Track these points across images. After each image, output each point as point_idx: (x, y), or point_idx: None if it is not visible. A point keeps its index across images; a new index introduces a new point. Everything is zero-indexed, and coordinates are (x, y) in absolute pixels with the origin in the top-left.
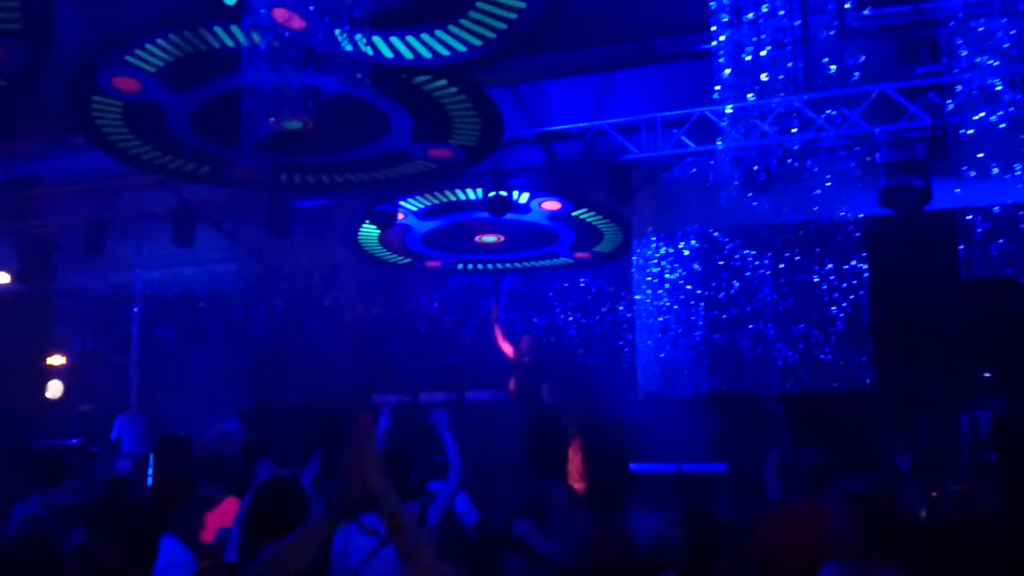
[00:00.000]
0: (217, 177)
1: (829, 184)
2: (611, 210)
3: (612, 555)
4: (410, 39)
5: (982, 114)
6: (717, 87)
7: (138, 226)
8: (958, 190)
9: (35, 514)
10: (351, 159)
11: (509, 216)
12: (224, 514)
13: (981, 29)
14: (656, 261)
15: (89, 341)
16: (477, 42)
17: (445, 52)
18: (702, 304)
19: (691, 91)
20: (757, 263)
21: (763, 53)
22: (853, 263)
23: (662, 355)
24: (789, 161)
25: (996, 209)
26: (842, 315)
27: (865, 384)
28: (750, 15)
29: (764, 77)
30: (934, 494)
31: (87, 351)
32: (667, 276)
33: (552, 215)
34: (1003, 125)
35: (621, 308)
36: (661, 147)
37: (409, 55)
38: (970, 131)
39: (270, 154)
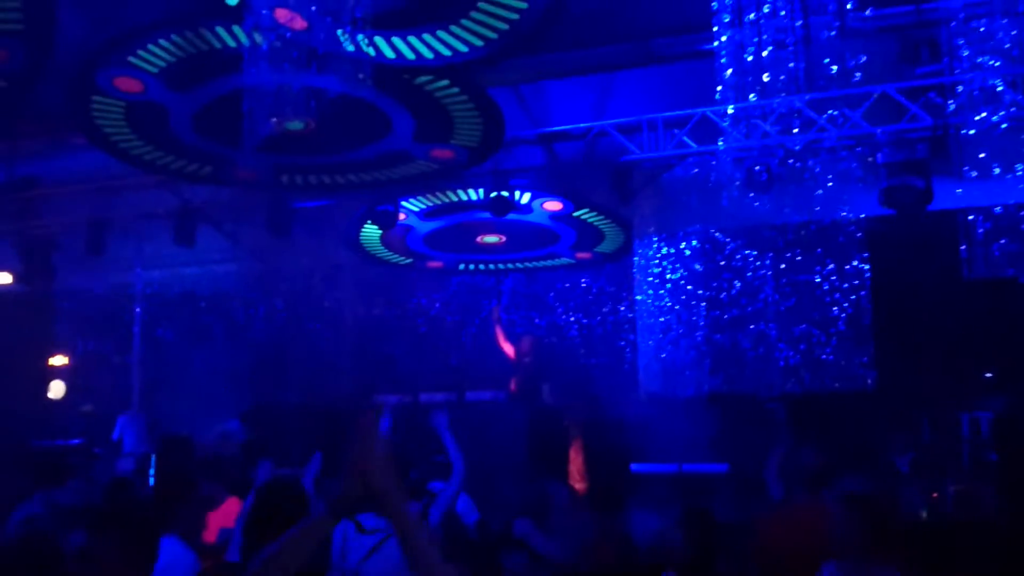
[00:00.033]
0: (219, 177)
1: (830, 184)
2: (612, 210)
3: (612, 555)
4: (412, 39)
5: (983, 114)
6: (718, 87)
7: (139, 226)
8: (959, 190)
9: (35, 514)
10: (353, 159)
11: (511, 216)
12: (226, 514)
13: (982, 29)
14: (657, 261)
15: (90, 341)
16: (478, 42)
17: (447, 52)
18: (703, 304)
19: (692, 91)
20: (758, 263)
21: (764, 53)
22: (854, 263)
23: (663, 355)
24: (790, 161)
25: (997, 209)
26: (843, 315)
27: (866, 384)
28: (751, 15)
29: (766, 77)
30: (935, 494)
31: (88, 351)
32: (668, 276)
33: (553, 215)
34: (1004, 125)
35: (622, 308)
36: (662, 147)
37: (411, 55)
38: (971, 131)
39: (272, 154)
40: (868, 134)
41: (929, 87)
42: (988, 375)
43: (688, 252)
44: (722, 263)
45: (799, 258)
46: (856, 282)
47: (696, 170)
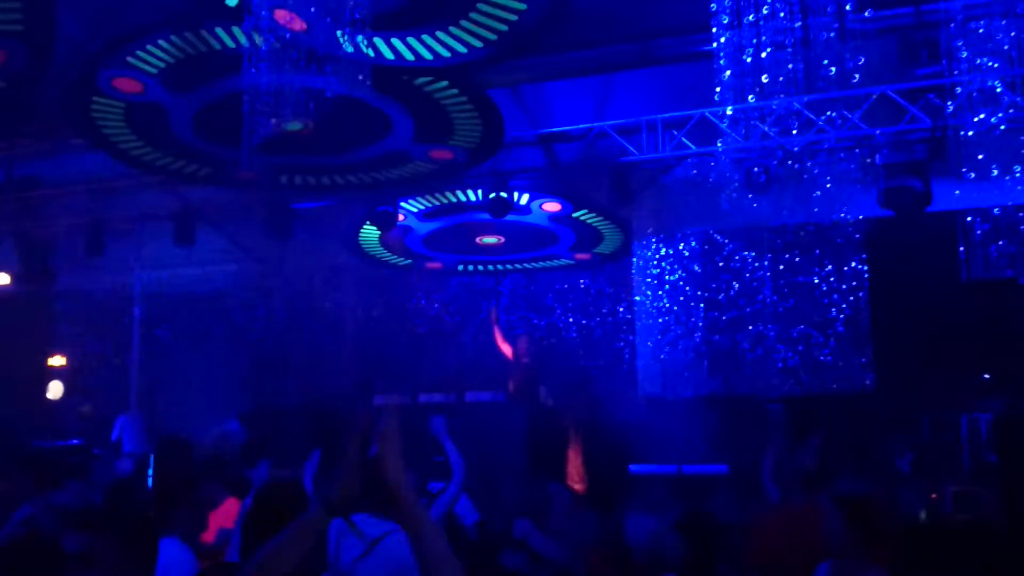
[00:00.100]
0: (218, 178)
1: (829, 186)
2: (611, 211)
3: (612, 556)
4: (411, 40)
5: (982, 116)
6: (717, 88)
7: (138, 227)
8: (958, 192)
9: (35, 515)
10: (352, 160)
11: (510, 217)
12: (225, 515)
13: (981, 31)
14: (656, 262)
15: (89, 342)
16: (478, 43)
17: (446, 53)
18: (702, 305)
19: (692, 93)
20: (757, 264)
21: (764, 55)
22: (853, 264)
23: (662, 356)
24: (789, 163)
25: (996, 211)
26: (842, 316)
27: (865, 385)
28: (750, 17)
29: (765, 79)
30: (934, 495)
31: (87, 352)
32: (667, 277)
33: (552, 216)
34: (1003, 127)
35: (621, 309)
36: (662, 148)
37: (410, 56)
38: (970, 133)
39: (272, 155)
40: (867, 135)
41: (928, 88)
42: (987, 376)
43: (687, 253)
44: (721, 264)
45: (798, 259)
46: (855, 283)
47: (695, 171)
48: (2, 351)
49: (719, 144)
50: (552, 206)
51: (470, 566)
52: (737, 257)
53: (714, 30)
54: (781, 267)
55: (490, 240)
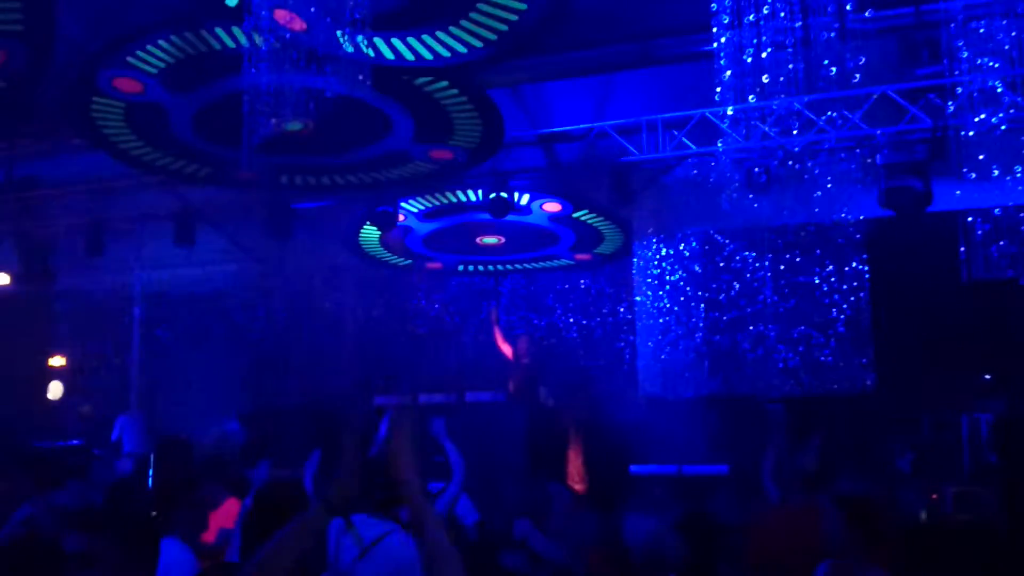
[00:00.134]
0: (219, 178)
1: (830, 186)
2: (612, 211)
3: (612, 556)
4: (411, 40)
5: (983, 116)
6: (718, 88)
7: (138, 227)
8: (959, 192)
9: (35, 514)
10: (352, 160)
11: (510, 218)
12: (225, 515)
13: (982, 31)
14: (657, 262)
15: (89, 342)
16: (478, 43)
17: (446, 53)
18: (703, 306)
19: (692, 93)
20: (758, 265)
21: (764, 55)
22: (854, 265)
23: (663, 356)
24: (790, 163)
25: (997, 211)
26: (843, 317)
27: (866, 386)
28: (751, 17)
29: (765, 79)
30: (934, 496)
31: (87, 352)
32: (668, 278)
33: (553, 216)
34: (1004, 127)
35: (622, 309)
36: (662, 148)
37: (410, 56)
38: (971, 133)
39: (272, 155)
40: (868, 135)
41: (929, 88)
42: (988, 377)
43: (687, 253)
44: (721, 264)
45: (798, 259)
46: (855, 283)
47: (695, 171)
48: (2, 351)
49: (719, 144)
50: (552, 206)
51: (470, 566)
52: (738, 257)
53: (714, 30)
54: (782, 267)
55: (490, 240)
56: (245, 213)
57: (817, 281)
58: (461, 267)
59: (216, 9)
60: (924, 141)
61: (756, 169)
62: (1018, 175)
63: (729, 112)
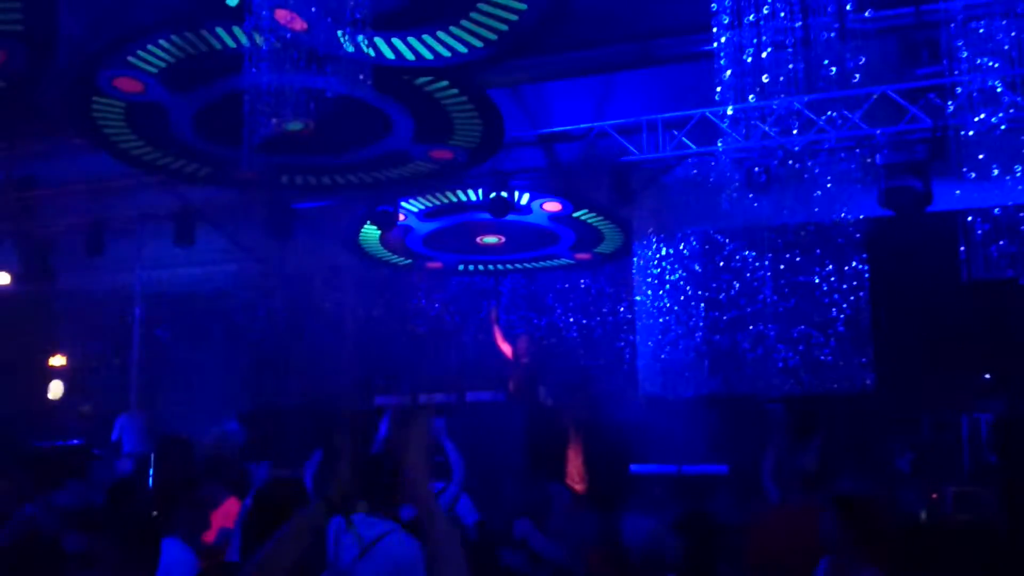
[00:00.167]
0: (219, 178)
1: (830, 185)
2: (612, 211)
3: (611, 556)
4: (411, 40)
5: (982, 116)
6: (718, 88)
7: (139, 227)
8: (958, 192)
9: (34, 514)
10: (353, 160)
11: (510, 217)
12: (225, 515)
13: (981, 31)
14: (657, 262)
15: (90, 342)
16: (478, 43)
17: (446, 53)
18: (702, 305)
19: (692, 92)
20: (757, 264)
21: (764, 55)
22: (854, 264)
23: (663, 356)
24: (790, 162)
25: (996, 211)
26: (842, 316)
27: (865, 385)
28: (751, 17)
29: (765, 79)
30: (934, 496)
31: (88, 352)
32: (668, 277)
33: (553, 216)
34: (1003, 127)
35: (622, 309)
36: (662, 148)
37: (410, 56)
38: (970, 133)
39: (272, 155)
40: (867, 135)
41: (928, 88)
42: (987, 376)
43: (687, 253)
44: (721, 264)
45: (798, 259)
46: (855, 283)
47: (695, 171)
48: (2, 351)
49: (719, 144)
50: (552, 206)
51: (470, 566)
52: (738, 257)
53: (714, 30)
54: (781, 267)
55: (490, 240)
56: (245, 213)
57: (817, 281)
58: (461, 267)
59: (217, 9)
60: (924, 141)
61: (756, 169)
62: (1018, 175)
63: (729, 112)
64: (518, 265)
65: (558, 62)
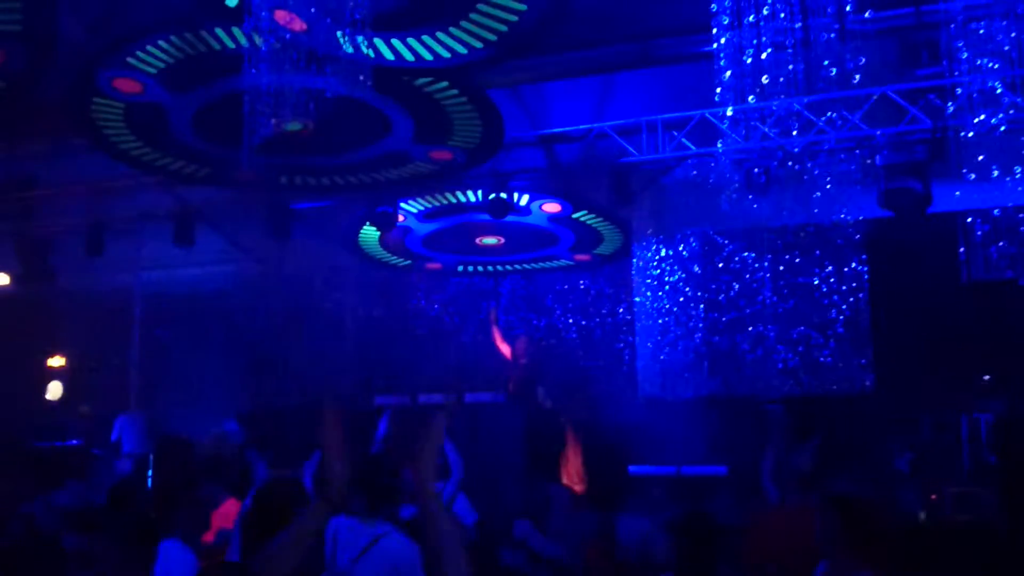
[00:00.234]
0: (218, 179)
1: (829, 186)
2: (611, 212)
3: (609, 552)
4: (411, 41)
5: (982, 117)
6: (718, 89)
7: (138, 227)
8: (958, 193)
9: (34, 513)
10: (352, 161)
11: (509, 218)
12: (225, 515)
13: (982, 32)
14: (656, 263)
15: (89, 342)
16: (478, 44)
17: (446, 54)
18: (702, 306)
19: (692, 93)
20: (757, 265)
21: (764, 55)
22: (853, 265)
23: (662, 357)
24: (790, 163)
25: (996, 212)
26: (842, 317)
27: (865, 386)
28: (751, 17)
29: (765, 79)
30: (933, 496)
31: (87, 352)
32: (667, 278)
33: (552, 217)
34: (1003, 128)
35: (621, 310)
36: (662, 149)
37: (410, 57)
38: (970, 134)
39: (271, 156)
40: (867, 136)
41: (928, 89)
42: (987, 377)
43: (687, 254)
44: (721, 265)
45: (798, 260)
46: (855, 284)
47: (695, 172)
48: (2, 351)
49: (719, 145)
50: (552, 207)
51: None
52: (737, 258)
53: (714, 30)
54: (781, 268)
55: (490, 241)
56: (245, 213)
57: (816, 282)
58: (460, 268)
59: (216, 9)
60: (924, 142)
61: (756, 170)
62: (1018, 176)
63: (729, 113)
64: (517, 266)
65: (558, 62)
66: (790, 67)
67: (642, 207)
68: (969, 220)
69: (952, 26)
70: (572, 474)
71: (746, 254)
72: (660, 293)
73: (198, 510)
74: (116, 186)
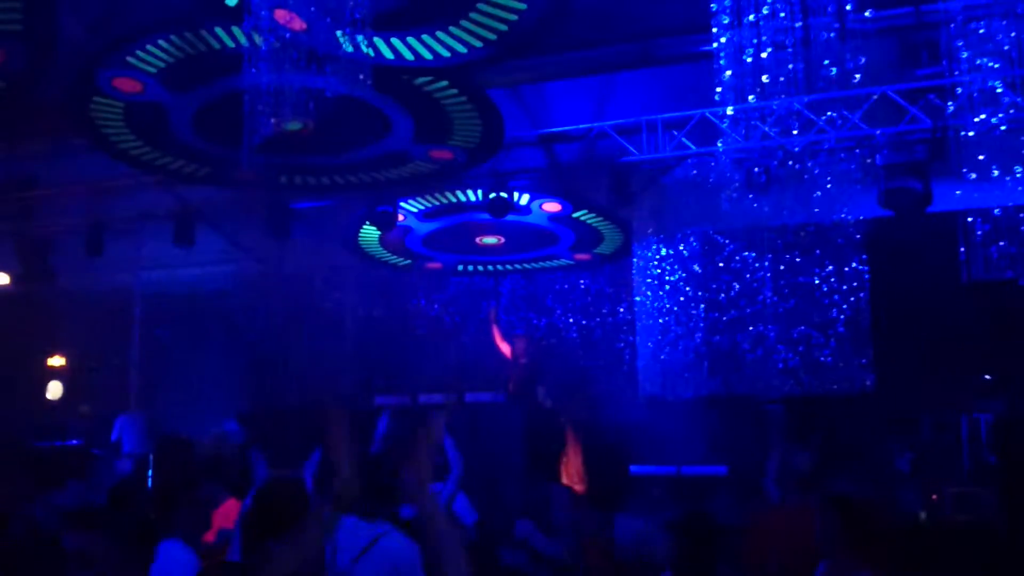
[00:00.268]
0: (218, 178)
1: (830, 186)
2: (611, 212)
3: (611, 555)
4: (411, 40)
5: (982, 116)
6: (718, 89)
7: (138, 227)
8: (958, 192)
9: (34, 513)
10: (352, 160)
11: (509, 218)
12: (225, 515)
13: (982, 31)
14: (656, 263)
15: (89, 342)
16: (478, 43)
17: (446, 53)
18: (702, 306)
19: (692, 93)
20: (757, 265)
21: (764, 55)
22: (853, 265)
23: (662, 357)
24: (790, 163)
25: (996, 211)
26: (842, 317)
27: (865, 386)
28: (751, 17)
29: (765, 79)
30: (934, 496)
31: (87, 352)
32: (667, 278)
33: (552, 217)
34: (1003, 127)
35: (621, 310)
36: (662, 149)
37: (410, 56)
38: (970, 133)
39: (271, 155)
40: (867, 136)
41: (928, 89)
42: (987, 377)
43: (687, 253)
44: (721, 265)
45: (798, 260)
46: (855, 284)
47: (695, 171)
48: (2, 351)
49: (719, 144)
50: (552, 206)
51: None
52: (737, 258)
53: (714, 30)
54: (781, 267)
55: (490, 240)
56: (245, 213)
57: (817, 281)
58: (461, 267)
59: (216, 9)
60: (924, 141)
61: (756, 169)
62: (1018, 175)
63: (729, 112)
64: (517, 266)
65: (558, 62)
66: (790, 66)
67: (642, 206)
68: (969, 220)
69: (952, 26)
70: (572, 474)
71: (746, 253)
72: (660, 293)
73: (199, 510)
74: (116, 186)
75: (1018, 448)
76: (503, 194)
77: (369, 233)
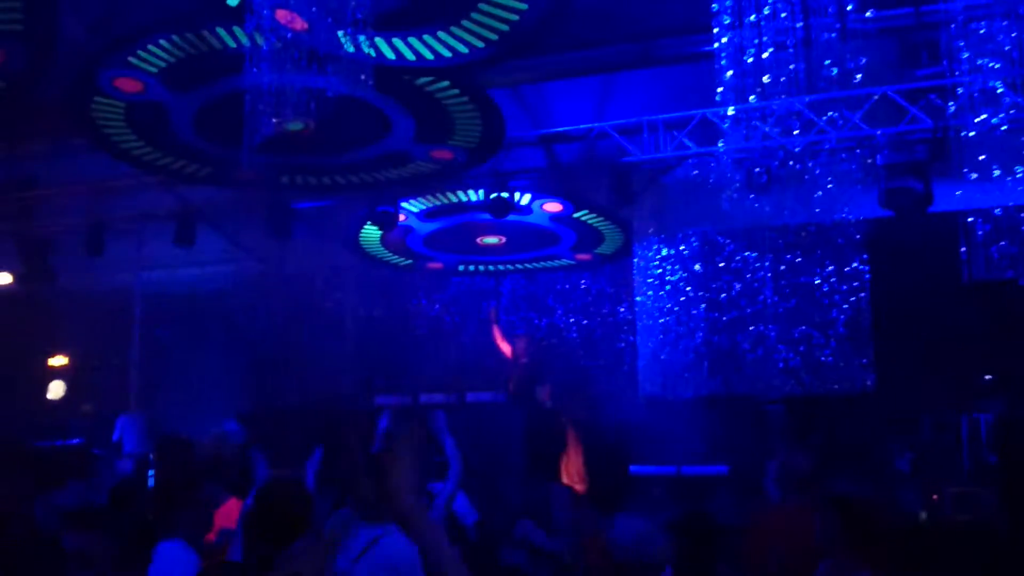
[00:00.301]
0: (219, 178)
1: (830, 186)
2: (612, 212)
3: (610, 555)
4: (412, 40)
5: (983, 116)
6: (719, 89)
7: (138, 227)
8: (959, 192)
9: (34, 513)
10: (353, 160)
11: (510, 218)
12: (227, 515)
13: (982, 31)
14: (657, 263)
15: (89, 342)
16: (479, 43)
17: (447, 53)
18: (703, 306)
19: (692, 93)
20: (758, 265)
21: (765, 55)
22: (854, 265)
23: (663, 357)
24: (790, 163)
25: (997, 211)
26: (843, 317)
27: (866, 386)
28: (752, 17)
29: (766, 79)
30: (934, 496)
31: (88, 352)
32: (668, 278)
33: (553, 217)
34: (1004, 127)
35: (622, 310)
36: (663, 149)
37: (411, 56)
38: (971, 133)
39: (272, 155)
40: (868, 136)
41: (929, 89)
42: (988, 377)
43: (687, 253)
44: (721, 265)
45: (799, 260)
46: (856, 284)
47: (696, 171)
48: (2, 351)
49: (720, 144)
50: (553, 206)
51: (470, 566)
52: (738, 257)
53: (715, 30)
54: (782, 267)
55: (491, 240)
56: (245, 213)
57: (817, 281)
58: (461, 267)
59: (217, 9)
60: (924, 141)
61: (756, 169)
62: (1018, 175)
63: (730, 112)
64: (518, 266)
65: (559, 62)
66: (791, 67)
67: (643, 207)
68: (970, 220)
69: (952, 26)
70: (573, 474)
71: (747, 253)
72: (661, 292)
73: (200, 510)
74: (117, 186)
75: (1018, 448)
76: (504, 194)
77: (370, 233)
